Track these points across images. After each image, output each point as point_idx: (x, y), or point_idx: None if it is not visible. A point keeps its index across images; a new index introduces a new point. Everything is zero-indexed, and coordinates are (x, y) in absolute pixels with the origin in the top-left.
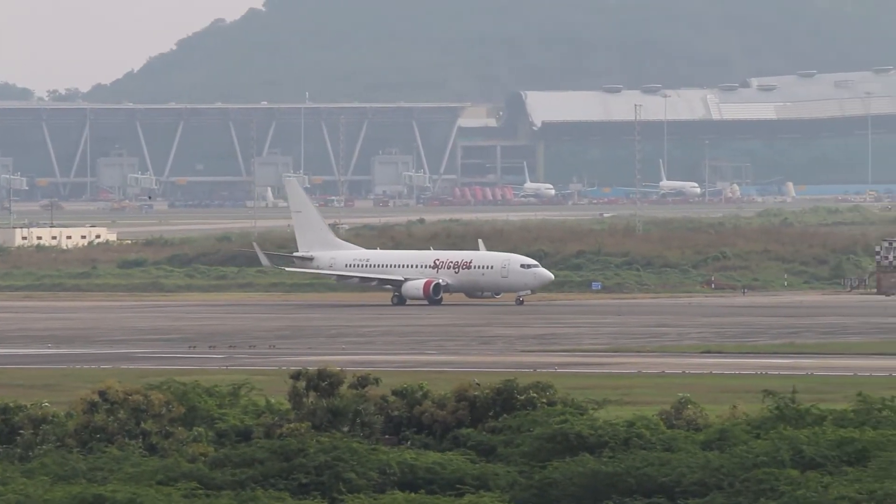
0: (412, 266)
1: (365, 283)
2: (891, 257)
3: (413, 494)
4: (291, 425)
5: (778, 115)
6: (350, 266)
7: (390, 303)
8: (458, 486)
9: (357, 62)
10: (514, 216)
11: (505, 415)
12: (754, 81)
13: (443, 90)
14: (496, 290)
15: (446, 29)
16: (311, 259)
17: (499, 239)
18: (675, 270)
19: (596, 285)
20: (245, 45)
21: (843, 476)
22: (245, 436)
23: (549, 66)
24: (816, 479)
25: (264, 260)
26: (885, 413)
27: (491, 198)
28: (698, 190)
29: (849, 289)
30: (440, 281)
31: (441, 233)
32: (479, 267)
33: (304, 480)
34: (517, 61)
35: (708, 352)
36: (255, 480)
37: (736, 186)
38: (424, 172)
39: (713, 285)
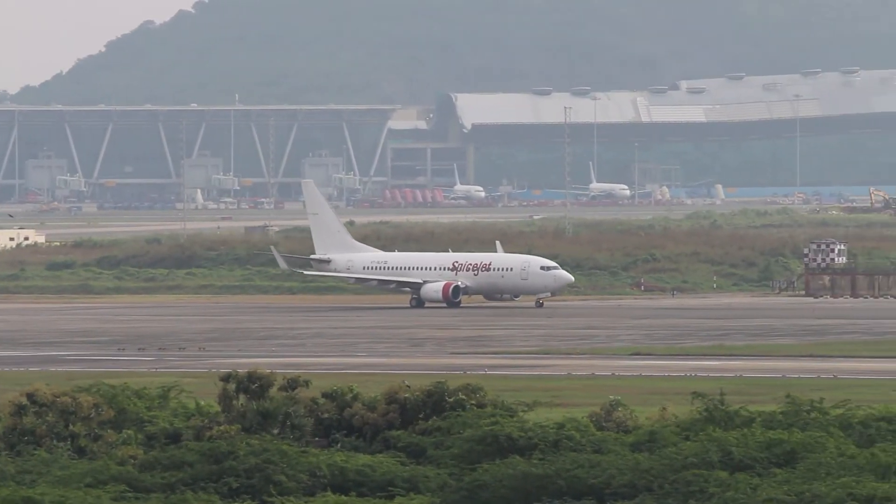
0: (431, 268)
1: (383, 286)
2: (819, 259)
3: (343, 497)
4: (221, 428)
5: (707, 117)
6: (368, 268)
7: (409, 305)
8: (388, 488)
9: (287, 64)
10: (445, 218)
11: (435, 417)
12: (683, 84)
13: (373, 92)
14: (515, 293)
15: (376, 31)
16: (328, 262)
17: (429, 241)
18: (605, 272)
19: None
20: (174, 48)
21: (771, 478)
22: (175, 438)
23: (479, 68)
24: (745, 480)
25: (282, 263)
26: (813, 415)
27: (421, 200)
28: (628, 192)
29: (777, 291)
30: (459, 283)
31: (371, 235)
32: (498, 269)
33: (234, 484)
34: (447, 63)
35: (637, 354)
36: (184, 483)
37: (665, 189)
38: (354, 174)
39: (643, 287)
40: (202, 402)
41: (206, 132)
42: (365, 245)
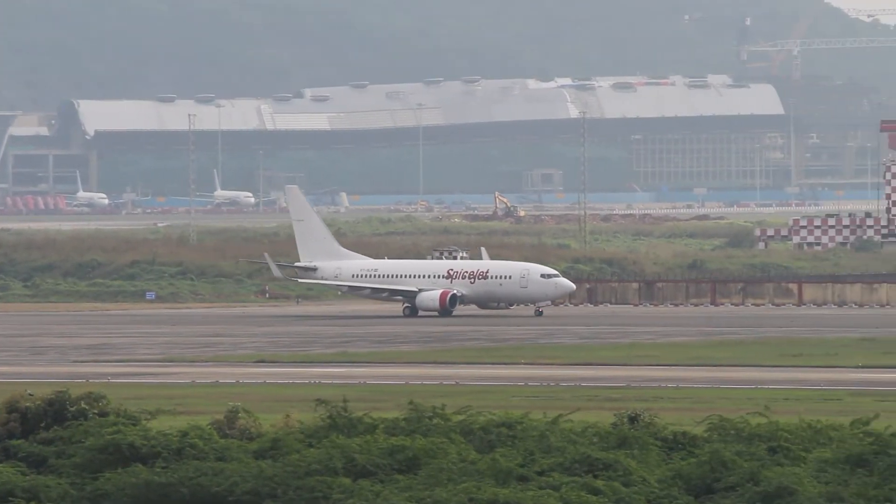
0: (424, 276)
1: (376, 295)
2: None
3: None
4: None
5: (331, 125)
6: (357, 276)
7: (402, 314)
8: (8, 498)
9: None
10: (67, 226)
11: (56, 426)
12: (308, 92)
13: None
14: (513, 301)
15: None
16: (314, 269)
17: (52, 248)
18: (230, 280)
19: (150, 295)
20: None
21: (394, 484)
22: None
23: (103, 74)
24: (368, 486)
25: (276, 271)
26: (435, 421)
27: (43, 207)
28: (252, 200)
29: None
30: (456, 292)
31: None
32: (496, 277)
33: None
34: (69, 69)
35: (262, 361)
36: None
37: None
38: None
39: (267, 295)
40: None
41: None
42: (353, 252)
